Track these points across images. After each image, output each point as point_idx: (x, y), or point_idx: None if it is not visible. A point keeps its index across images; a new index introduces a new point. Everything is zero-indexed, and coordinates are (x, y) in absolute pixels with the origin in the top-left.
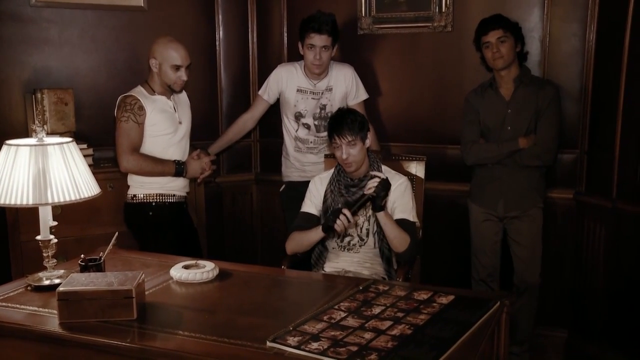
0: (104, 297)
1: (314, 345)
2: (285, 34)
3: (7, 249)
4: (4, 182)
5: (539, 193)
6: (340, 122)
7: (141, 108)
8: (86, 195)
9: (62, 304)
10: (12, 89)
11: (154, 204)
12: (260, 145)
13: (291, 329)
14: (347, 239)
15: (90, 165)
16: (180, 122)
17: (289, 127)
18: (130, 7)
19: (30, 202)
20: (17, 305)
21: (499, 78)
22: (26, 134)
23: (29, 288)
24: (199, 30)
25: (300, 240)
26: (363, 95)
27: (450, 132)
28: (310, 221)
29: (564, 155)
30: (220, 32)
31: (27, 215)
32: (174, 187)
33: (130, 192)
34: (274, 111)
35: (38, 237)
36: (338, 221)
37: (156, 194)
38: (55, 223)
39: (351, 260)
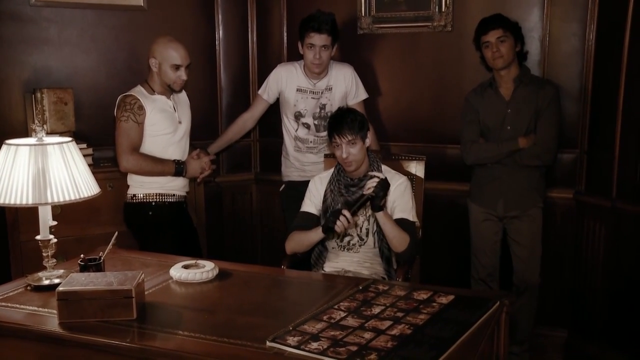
0: (104, 297)
1: (314, 345)
2: (285, 34)
3: (6, 249)
4: (4, 181)
5: (538, 193)
6: (340, 121)
7: (141, 108)
8: (86, 195)
9: (61, 304)
10: (12, 88)
11: (153, 203)
12: (260, 144)
13: (291, 328)
14: (346, 238)
15: (89, 165)
16: (180, 122)
17: (289, 126)
18: (130, 7)
19: (30, 201)
20: (17, 305)
21: (499, 78)
22: (26, 133)
23: (28, 288)
24: (199, 29)
25: (300, 240)
26: (363, 94)
27: (450, 131)
28: (310, 221)
29: (563, 155)
30: (220, 32)
31: (27, 215)
32: (173, 186)
33: (130, 191)
34: (274, 111)
35: (38, 237)
36: (338, 222)
37: (156, 194)
38: (55, 223)
39: (351, 260)
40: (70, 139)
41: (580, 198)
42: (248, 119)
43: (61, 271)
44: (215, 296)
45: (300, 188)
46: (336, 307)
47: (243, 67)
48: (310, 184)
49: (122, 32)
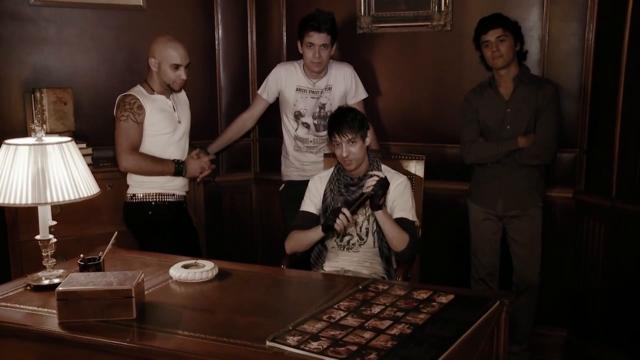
0: (104, 296)
1: (314, 344)
2: (285, 33)
3: (6, 249)
4: (3, 181)
5: (538, 192)
6: (340, 120)
7: (140, 107)
8: (85, 195)
9: (61, 304)
10: (11, 88)
11: (153, 203)
12: (260, 144)
13: (291, 328)
14: (346, 238)
15: (89, 165)
16: (179, 122)
17: (289, 126)
18: (130, 7)
19: (30, 201)
20: (17, 305)
21: (499, 77)
22: (25, 133)
23: (28, 288)
24: (198, 29)
25: (299, 240)
26: (362, 94)
27: (449, 131)
28: (309, 220)
29: (563, 154)
30: (220, 32)
31: (26, 215)
32: (173, 186)
33: (130, 191)
34: (274, 110)
35: (37, 237)
36: (338, 220)
37: (156, 194)
38: (55, 222)
39: (351, 259)
40: (69, 138)
41: (580, 197)
42: (247, 119)
43: (61, 271)
44: (215, 296)
45: (299, 187)
46: (336, 306)
47: (242, 67)
48: (309, 184)
49: (121, 31)
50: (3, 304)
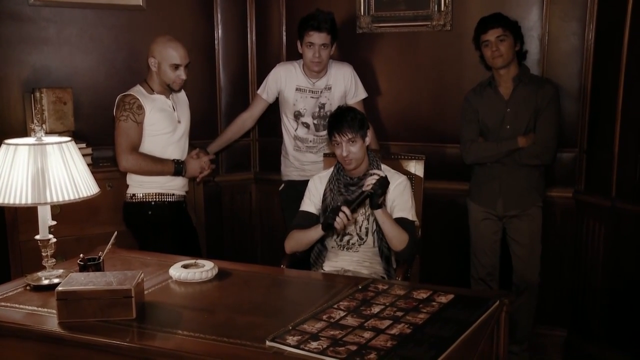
0: (103, 296)
1: (314, 344)
2: (284, 33)
3: (6, 249)
4: (3, 181)
5: (538, 192)
6: (340, 120)
7: (140, 107)
8: (85, 195)
9: (61, 304)
10: (11, 88)
11: (153, 203)
12: (260, 144)
13: (290, 328)
14: (346, 238)
15: (89, 165)
16: (179, 121)
17: (288, 126)
18: (129, 7)
19: (29, 201)
20: (16, 305)
21: (498, 77)
22: (25, 133)
23: (28, 288)
24: (198, 29)
25: (299, 239)
26: (362, 94)
27: (449, 131)
28: (309, 220)
29: (563, 154)
30: (219, 31)
31: (26, 215)
32: (173, 186)
33: (130, 191)
34: (273, 110)
35: (37, 237)
36: (338, 219)
37: (155, 194)
38: (54, 222)
39: (350, 259)
40: (69, 138)
41: (580, 197)
42: (247, 119)
43: (60, 271)
44: (215, 296)
45: (299, 187)
46: (336, 306)
47: (242, 67)
48: (309, 183)
49: (121, 31)
50: (3, 303)
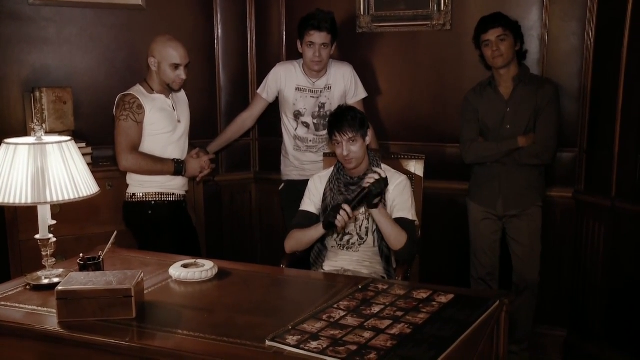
0: (103, 296)
1: (313, 344)
2: (284, 33)
3: (6, 248)
4: (3, 180)
5: (538, 192)
6: (340, 119)
7: (140, 107)
8: (85, 194)
9: (61, 303)
10: (11, 87)
11: (153, 202)
12: (260, 144)
13: (290, 328)
14: (346, 237)
15: (89, 164)
16: (179, 121)
17: (288, 125)
18: (129, 6)
19: (29, 200)
20: (16, 304)
21: (498, 77)
22: (25, 132)
23: (27, 287)
24: (198, 29)
25: (300, 239)
26: (362, 93)
27: (449, 130)
28: (309, 220)
29: (563, 153)
30: (219, 31)
31: (26, 214)
32: (173, 186)
33: (130, 191)
34: (273, 110)
35: (37, 236)
36: (339, 217)
37: (155, 193)
38: (54, 222)
39: (350, 259)
40: (69, 138)
41: (580, 197)
42: (247, 118)
43: (60, 270)
44: (215, 295)
45: (299, 187)
46: (336, 306)
47: (242, 66)
48: (309, 183)
49: (121, 31)
50: (3, 303)
